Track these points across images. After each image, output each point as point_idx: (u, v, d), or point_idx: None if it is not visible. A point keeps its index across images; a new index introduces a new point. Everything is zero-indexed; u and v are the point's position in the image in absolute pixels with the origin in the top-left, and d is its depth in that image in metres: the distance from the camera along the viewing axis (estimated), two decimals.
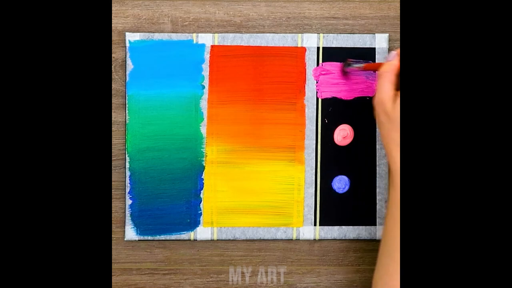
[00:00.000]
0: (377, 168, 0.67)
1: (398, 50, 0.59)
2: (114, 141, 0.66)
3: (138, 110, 0.66)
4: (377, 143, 0.67)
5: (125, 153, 0.66)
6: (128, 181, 0.66)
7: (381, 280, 0.58)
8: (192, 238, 0.66)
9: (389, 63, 0.59)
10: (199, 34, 0.66)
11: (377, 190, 0.67)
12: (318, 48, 0.66)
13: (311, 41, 0.67)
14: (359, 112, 0.66)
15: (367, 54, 0.66)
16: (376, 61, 0.66)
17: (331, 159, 0.67)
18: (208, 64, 0.66)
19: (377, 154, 0.67)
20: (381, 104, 0.58)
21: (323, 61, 0.66)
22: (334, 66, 0.66)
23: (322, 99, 0.66)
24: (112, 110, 0.66)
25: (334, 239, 0.67)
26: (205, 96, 0.66)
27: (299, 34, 0.67)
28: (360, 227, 0.66)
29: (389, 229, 0.58)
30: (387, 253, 0.58)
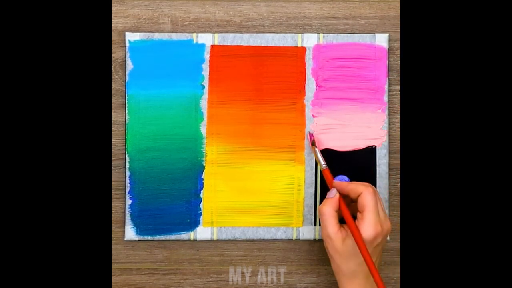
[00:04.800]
0: (377, 168, 0.67)
1: (337, 185, 0.60)
2: (114, 141, 0.66)
3: (138, 110, 0.66)
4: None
5: (125, 153, 0.66)
6: (128, 181, 0.66)
7: None
8: (192, 238, 0.66)
9: (329, 200, 0.60)
10: (199, 34, 0.66)
11: (377, 190, 0.66)
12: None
13: (311, 41, 0.67)
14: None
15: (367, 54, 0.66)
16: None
17: (329, 153, 0.66)
18: (208, 64, 0.66)
19: (377, 154, 0.67)
20: (329, 240, 0.59)
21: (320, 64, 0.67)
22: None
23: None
24: (112, 110, 0.66)
25: None
26: (205, 96, 0.66)
27: (299, 34, 0.67)
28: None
29: None
30: None
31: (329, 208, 0.59)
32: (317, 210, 0.59)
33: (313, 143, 0.65)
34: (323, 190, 0.66)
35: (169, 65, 0.66)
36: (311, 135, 0.66)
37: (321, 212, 0.59)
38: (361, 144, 0.66)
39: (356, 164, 0.66)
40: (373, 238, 0.56)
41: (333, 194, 0.60)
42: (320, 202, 0.66)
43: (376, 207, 0.57)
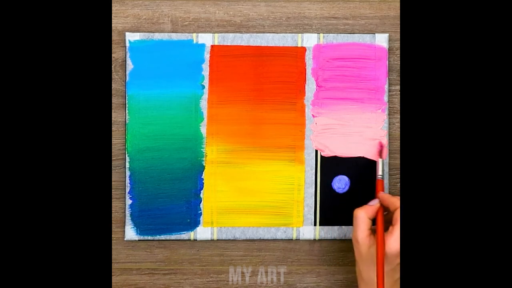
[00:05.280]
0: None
1: (381, 196, 0.62)
2: (114, 141, 0.66)
3: (138, 110, 0.66)
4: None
5: (125, 153, 0.66)
6: (128, 181, 0.66)
7: None
8: (192, 238, 0.66)
9: (368, 206, 0.61)
10: (199, 34, 0.66)
11: None
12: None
13: (311, 41, 0.67)
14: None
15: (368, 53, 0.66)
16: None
17: (331, 159, 0.66)
18: (208, 64, 0.66)
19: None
20: (356, 244, 0.60)
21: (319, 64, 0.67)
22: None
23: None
24: (112, 110, 0.66)
25: (334, 239, 0.67)
26: (205, 96, 0.66)
27: (299, 34, 0.67)
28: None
29: None
30: None
31: (364, 213, 0.60)
32: (353, 213, 0.60)
33: (380, 154, 0.66)
34: (323, 190, 0.66)
35: (169, 65, 0.66)
36: (381, 144, 0.66)
37: (355, 215, 0.60)
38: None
39: (356, 169, 0.67)
40: (397, 253, 0.57)
41: (373, 203, 0.61)
42: (320, 202, 0.66)
43: None
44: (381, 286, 0.57)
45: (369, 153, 0.66)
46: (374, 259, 0.58)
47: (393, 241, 0.58)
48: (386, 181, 0.66)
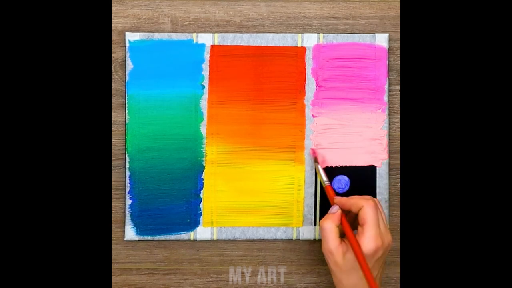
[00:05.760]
0: (377, 168, 0.67)
1: (338, 201, 0.61)
2: (114, 141, 0.66)
3: (138, 110, 0.66)
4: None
5: (125, 153, 0.66)
6: (128, 181, 0.66)
7: None
8: (192, 238, 0.66)
9: (331, 215, 0.60)
10: (199, 34, 0.66)
11: (377, 190, 0.67)
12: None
13: (311, 41, 0.67)
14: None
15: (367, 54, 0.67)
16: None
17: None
18: (208, 64, 0.66)
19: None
20: (330, 255, 0.59)
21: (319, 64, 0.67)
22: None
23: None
24: (112, 110, 0.66)
25: None
26: (205, 96, 0.66)
27: (299, 34, 0.67)
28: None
29: None
30: None
31: (330, 223, 0.59)
32: (319, 224, 0.60)
33: (315, 160, 0.65)
34: (323, 190, 0.66)
35: (169, 65, 0.66)
36: (314, 151, 0.66)
37: (322, 227, 0.59)
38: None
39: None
40: (373, 252, 0.57)
41: (335, 210, 0.61)
42: (320, 202, 0.66)
43: (377, 220, 0.57)
44: (374, 286, 0.56)
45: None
46: (352, 264, 0.58)
47: (367, 241, 0.57)
48: (386, 181, 0.66)
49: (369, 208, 0.58)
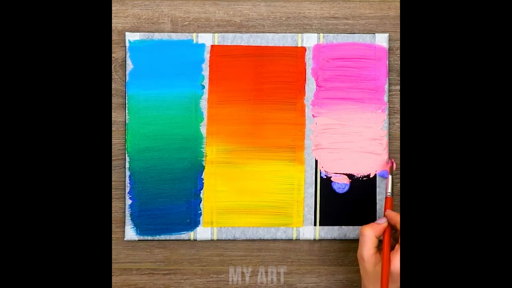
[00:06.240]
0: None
1: (388, 214, 0.61)
2: (114, 141, 0.66)
3: (138, 110, 0.66)
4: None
5: (125, 153, 0.66)
6: (128, 181, 0.66)
7: None
8: (192, 238, 0.66)
9: (375, 224, 0.61)
10: (199, 34, 0.66)
11: (377, 190, 0.67)
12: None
13: (311, 41, 0.67)
14: None
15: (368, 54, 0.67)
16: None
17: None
18: (208, 64, 0.66)
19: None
20: (362, 261, 0.60)
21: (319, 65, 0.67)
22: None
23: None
24: (112, 110, 0.66)
25: (334, 239, 0.67)
26: (205, 96, 0.66)
27: (299, 34, 0.67)
28: (360, 227, 0.66)
29: None
30: None
31: (371, 231, 0.60)
32: (359, 230, 0.60)
33: (391, 172, 0.65)
34: (323, 190, 0.66)
35: (169, 65, 0.66)
36: (392, 162, 0.66)
37: (362, 232, 0.60)
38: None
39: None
40: None
41: (381, 221, 0.61)
42: (320, 202, 0.66)
43: None
44: None
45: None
46: (379, 276, 0.58)
47: (398, 259, 0.58)
48: (385, 181, 0.66)
49: None
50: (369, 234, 0.60)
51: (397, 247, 0.59)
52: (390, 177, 0.65)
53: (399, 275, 0.57)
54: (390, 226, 0.61)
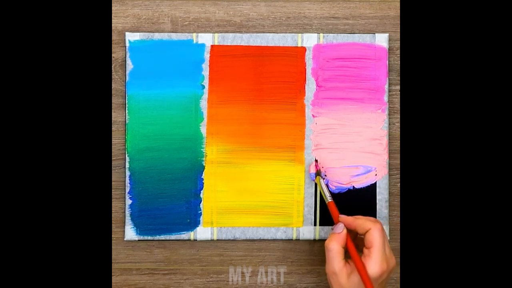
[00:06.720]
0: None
1: (343, 220, 0.60)
2: (114, 141, 0.66)
3: (138, 110, 0.66)
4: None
5: (125, 153, 0.66)
6: (128, 181, 0.66)
7: None
8: (192, 238, 0.66)
9: (336, 236, 0.59)
10: (199, 34, 0.66)
11: (377, 190, 0.67)
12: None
13: (311, 41, 0.67)
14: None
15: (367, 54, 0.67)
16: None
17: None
18: (208, 64, 0.66)
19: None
20: (334, 276, 0.58)
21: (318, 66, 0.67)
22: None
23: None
24: (112, 110, 0.66)
25: None
26: (205, 96, 0.66)
27: (299, 34, 0.67)
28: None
29: None
30: None
31: (336, 244, 0.58)
32: (325, 245, 0.59)
33: (318, 173, 0.65)
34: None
35: (169, 65, 0.66)
36: (317, 165, 0.65)
37: (328, 247, 0.58)
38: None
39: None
40: (379, 276, 0.57)
41: (340, 230, 0.59)
42: (320, 202, 0.66)
43: (383, 244, 0.57)
44: None
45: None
46: (356, 286, 0.57)
47: (373, 264, 0.57)
48: (386, 181, 0.66)
49: (376, 231, 0.57)
50: (335, 247, 0.58)
51: (367, 252, 0.58)
52: (322, 180, 0.64)
53: (376, 278, 0.56)
54: (348, 230, 0.60)
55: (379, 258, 0.57)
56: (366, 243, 0.58)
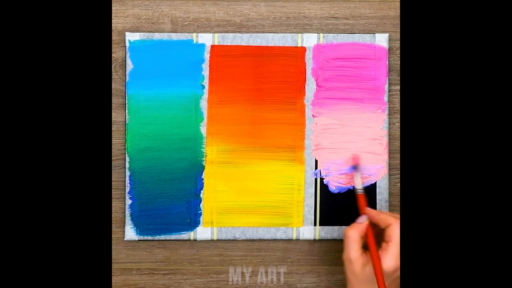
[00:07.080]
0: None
1: (369, 212, 0.61)
2: (114, 141, 0.66)
3: (138, 110, 0.66)
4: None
5: (125, 153, 0.66)
6: (128, 181, 0.66)
7: None
8: (192, 238, 0.66)
9: (357, 224, 0.60)
10: (199, 34, 0.66)
11: (377, 190, 0.67)
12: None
13: (311, 41, 0.67)
14: None
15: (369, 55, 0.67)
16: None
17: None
18: (208, 64, 0.66)
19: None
20: (349, 264, 0.59)
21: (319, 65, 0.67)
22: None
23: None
24: (112, 110, 0.66)
25: (334, 239, 0.67)
26: (205, 96, 0.66)
27: (299, 34, 0.67)
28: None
29: None
30: None
31: (355, 232, 0.59)
32: (343, 232, 0.60)
33: (357, 166, 0.65)
34: (323, 190, 0.66)
35: (169, 65, 0.66)
36: (356, 158, 0.65)
37: (346, 234, 0.59)
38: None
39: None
40: (393, 271, 0.57)
41: (362, 220, 0.61)
42: (320, 202, 0.66)
43: None
44: None
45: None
46: (369, 277, 0.57)
47: (389, 258, 0.57)
48: (386, 181, 0.66)
49: (397, 227, 0.58)
50: (354, 235, 0.59)
51: (385, 246, 0.58)
52: (357, 173, 0.64)
53: (390, 273, 0.57)
54: (372, 224, 0.60)
55: (395, 253, 0.57)
56: (386, 237, 0.59)
